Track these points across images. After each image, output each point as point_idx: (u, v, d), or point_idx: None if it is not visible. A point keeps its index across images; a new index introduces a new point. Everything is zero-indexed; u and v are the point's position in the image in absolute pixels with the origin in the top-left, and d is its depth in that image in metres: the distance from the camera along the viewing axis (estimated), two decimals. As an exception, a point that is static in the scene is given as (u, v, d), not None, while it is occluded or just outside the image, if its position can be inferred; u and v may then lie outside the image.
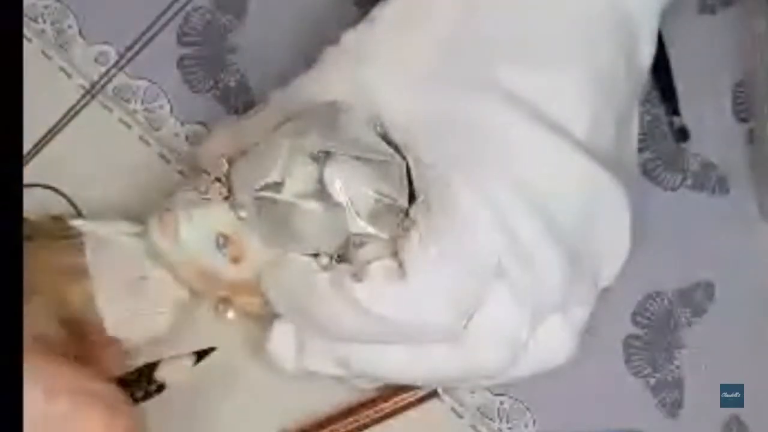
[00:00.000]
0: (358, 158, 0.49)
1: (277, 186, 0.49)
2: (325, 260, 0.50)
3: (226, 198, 0.50)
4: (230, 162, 0.50)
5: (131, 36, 0.59)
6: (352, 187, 0.48)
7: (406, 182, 0.50)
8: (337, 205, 0.48)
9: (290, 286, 0.50)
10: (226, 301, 0.52)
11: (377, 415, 0.54)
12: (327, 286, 0.49)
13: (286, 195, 0.49)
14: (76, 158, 0.56)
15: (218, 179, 0.50)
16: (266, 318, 0.52)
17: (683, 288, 0.58)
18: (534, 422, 0.56)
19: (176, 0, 0.59)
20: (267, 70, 0.58)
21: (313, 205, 0.49)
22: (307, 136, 0.49)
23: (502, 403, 0.56)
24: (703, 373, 0.57)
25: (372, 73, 0.51)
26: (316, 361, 0.51)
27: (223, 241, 0.50)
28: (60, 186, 0.56)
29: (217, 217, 0.50)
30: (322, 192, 0.48)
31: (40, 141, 0.57)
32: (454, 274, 0.48)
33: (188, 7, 0.59)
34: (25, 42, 0.58)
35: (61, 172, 0.56)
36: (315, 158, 0.49)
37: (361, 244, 0.49)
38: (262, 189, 0.49)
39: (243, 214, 0.49)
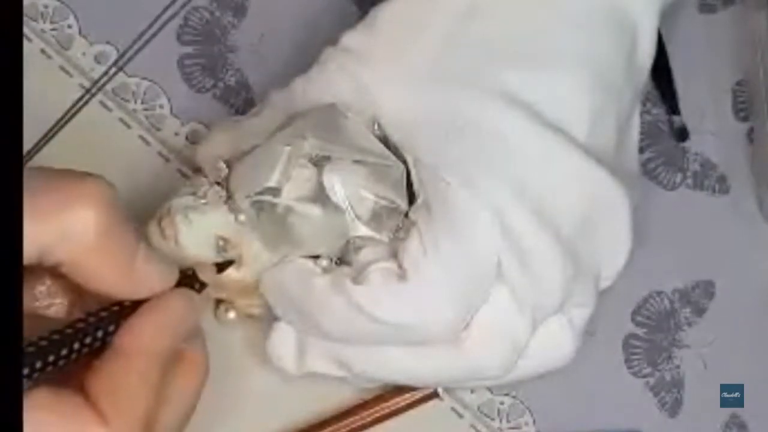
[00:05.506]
0: (357, 161, 0.49)
1: (276, 190, 0.48)
2: (325, 263, 0.50)
3: (226, 201, 0.50)
4: (229, 165, 0.50)
5: (131, 36, 0.58)
6: (351, 190, 0.48)
7: (405, 184, 0.50)
8: (337, 208, 0.48)
9: (290, 288, 0.49)
10: (227, 303, 0.53)
11: (377, 415, 0.54)
12: (327, 289, 0.48)
13: (284, 199, 0.48)
14: (75, 158, 0.56)
15: (217, 182, 0.50)
16: (267, 319, 0.52)
17: (683, 288, 0.58)
18: (534, 422, 0.56)
19: (176, 0, 0.59)
20: (267, 70, 0.58)
21: (313, 209, 0.48)
22: (306, 139, 0.49)
23: (502, 403, 0.56)
24: (703, 373, 0.57)
25: (372, 73, 0.51)
26: (316, 362, 0.51)
27: (223, 245, 0.49)
28: (60, 186, 0.56)
29: (216, 220, 0.49)
30: (321, 195, 0.48)
31: (40, 140, 0.57)
32: (454, 275, 0.48)
33: (188, 7, 0.59)
34: (25, 42, 0.58)
35: (61, 172, 0.56)
36: (314, 162, 0.49)
37: (361, 247, 0.49)
38: (261, 193, 0.49)
39: (242, 217, 0.49)
